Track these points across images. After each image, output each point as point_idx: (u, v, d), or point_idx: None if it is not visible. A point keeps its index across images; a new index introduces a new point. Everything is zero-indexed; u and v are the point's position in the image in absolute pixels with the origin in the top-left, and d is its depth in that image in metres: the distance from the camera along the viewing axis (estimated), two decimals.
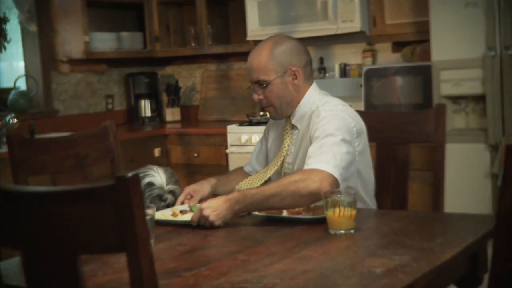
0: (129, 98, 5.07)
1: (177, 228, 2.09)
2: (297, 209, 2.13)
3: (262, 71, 2.28)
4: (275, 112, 2.36)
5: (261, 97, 2.32)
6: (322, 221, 1.96)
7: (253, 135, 4.11)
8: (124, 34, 4.80)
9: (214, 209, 2.04)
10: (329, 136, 2.15)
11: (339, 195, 1.94)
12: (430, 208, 2.51)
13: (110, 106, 5.00)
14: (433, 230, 1.95)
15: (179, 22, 5.08)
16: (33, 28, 4.35)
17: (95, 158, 2.55)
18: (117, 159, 2.61)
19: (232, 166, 4.18)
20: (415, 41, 3.91)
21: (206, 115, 5.04)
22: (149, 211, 1.88)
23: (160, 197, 2.29)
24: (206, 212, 2.03)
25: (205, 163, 4.39)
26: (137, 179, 1.22)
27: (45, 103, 4.54)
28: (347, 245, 1.82)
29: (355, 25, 3.96)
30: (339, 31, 4.03)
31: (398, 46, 4.13)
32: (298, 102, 2.34)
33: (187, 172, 4.48)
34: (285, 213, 2.13)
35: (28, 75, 4.52)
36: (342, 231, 1.89)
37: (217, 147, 4.33)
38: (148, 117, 5.01)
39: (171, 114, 5.04)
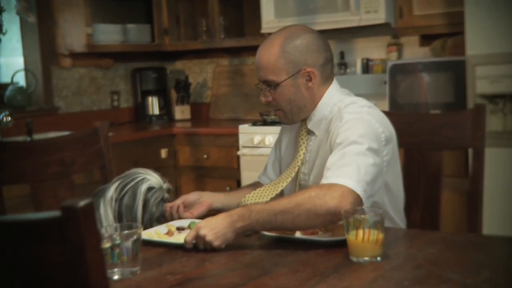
0: (135, 94, 4.88)
1: (170, 250, 1.79)
2: (311, 230, 1.83)
3: (270, 70, 1.98)
4: (284, 117, 2.05)
5: (269, 99, 2.02)
6: (342, 244, 1.66)
7: (267, 136, 3.83)
8: (130, 26, 4.61)
9: (212, 227, 1.73)
10: (353, 144, 1.83)
11: (363, 215, 1.63)
12: (465, 224, 2.26)
13: (115, 103, 4.79)
14: (476, 259, 1.63)
15: (189, 14, 4.87)
16: (32, 19, 4.11)
17: (82, 164, 2.25)
18: (109, 166, 2.30)
19: (244, 169, 3.91)
20: (446, 33, 3.66)
21: (217, 113, 4.78)
22: (137, 231, 1.60)
23: (163, 200, 2.05)
24: (203, 232, 1.73)
25: (215, 166, 4.13)
26: (91, 209, 0.91)
27: (45, 99, 4.33)
28: (373, 278, 1.50)
29: (380, 16, 3.71)
30: (362, 23, 3.78)
31: (426, 39, 3.89)
32: (314, 106, 2.03)
33: (196, 175, 4.22)
34: (298, 234, 1.84)
35: (27, 70, 4.29)
36: (367, 259, 1.59)
37: (228, 149, 4.06)
38: (156, 115, 4.82)
39: (181, 112, 4.82)
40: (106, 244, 1.56)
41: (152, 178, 2.02)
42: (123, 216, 1.96)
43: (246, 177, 3.90)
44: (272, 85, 1.98)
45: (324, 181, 1.78)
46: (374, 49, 4.18)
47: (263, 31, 4.13)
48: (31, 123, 3.93)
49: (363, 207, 1.76)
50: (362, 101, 2.01)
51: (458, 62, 3.39)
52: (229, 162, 4.07)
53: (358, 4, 3.75)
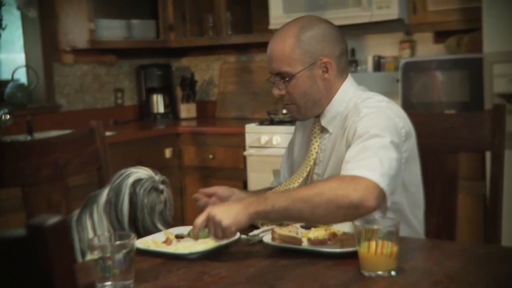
0: (140, 92, 4.78)
1: (167, 261, 1.67)
2: (320, 238, 1.71)
3: (285, 61, 1.88)
4: (297, 112, 1.95)
5: (283, 92, 1.91)
6: (353, 256, 1.53)
7: (274, 135, 3.71)
8: (134, 21, 4.52)
9: (224, 208, 1.65)
10: (375, 138, 1.73)
11: (375, 225, 1.50)
12: (480, 229, 2.26)
13: (119, 101, 4.69)
14: (500, 274, 1.49)
15: (195, 9, 4.76)
16: (33, 13, 4.01)
17: (77, 166, 2.13)
18: (106, 167, 2.18)
19: (250, 170, 3.79)
20: (462, 30, 3.58)
21: (224, 112, 4.67)
22: (130, 242, 1.47)
23: (155, 189, 1.88)
24: (213, 211, 1.64)
25: (221, 166, 4.02)
26: (61, 228, 0.78)
27: (46, 97, 4.23)
28: None
29: (392, 12, 3.60)
30: (374, 19, 3.68)
31: (441, 36, 3.80)
32: (328, 101, 1.93)
33: (201, 176, 4.11)
34: (305, 244, 1.71)
35: (28, 66, 4.20)
36: (380, 273, 1.47)
37: (235, 148, 3.94)
38: (160, 114, 4.72)
39: (186, 110, 4.72)
40: (95, 255, 1.44)
41: (140, 171, 1.88)
42: (113, 219, 1.83)
43: (253, 178, 3.79)
44: (286, 77, 1.88)
45: (344, 173, 1.68)
46: (386, 46, 4.09)
47: (271, 27, 4.03)
48: (31, 121, 3.82)
49: (376, 216, 1.64)
50: (379, 96, 1.91)
51: (474, 60, 3.29)
52: (236, 163, 3.95)
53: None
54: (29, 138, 3.81)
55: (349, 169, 1.67)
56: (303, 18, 1.94)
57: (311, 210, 1.63)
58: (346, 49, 1.97)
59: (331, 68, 1.89)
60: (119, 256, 1.45)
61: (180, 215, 4.13)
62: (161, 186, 1.89)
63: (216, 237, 1.66)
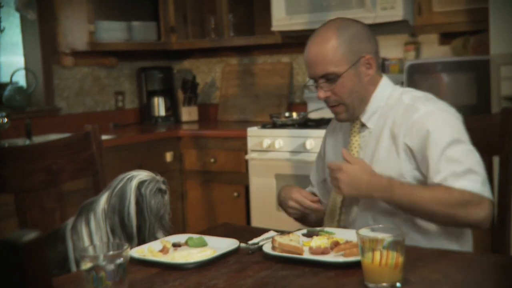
0: (141, 95, 4.71)
1: (163, 271, 1.61)
2: (322, 247, 1.65)
3: (330, 62, 1.92)
4: (346, 112, 1.98)
5: (328, 94, 1.94)
6: (357, 266, 1.47)
7: (277, 139, 3.64)
8: (135, 23, 4.46)
9: (355, 180, 1.82)
10: (459, 144, 1.85)
11: (379, 235, 1.43)
12: (487, 238, 2.09)
13: (120, 104, 4.62)
14: (510, 287, 1.42)
15: (197, 11, 4.71)
16: (32, 15, 3.95)
17: (72, 172, 2.07)
18: (101, 173, 2.12)
19: (252, 174, 3.73)
20: (468, 31, 3.51)
21: (226, 115, 4.60)
22: (124, 252, 1.41)
23: (160, 191, 1.85)
24: (341, 176, 1.82)
25: (223, 170, 3.95)
26: (38, 245, 0.71)
27: (46, 100, 4.17)
28: None
29: (397, 13, 3.54)
30: (378, 20, 3.60)
31: (446, 37, 3.75)
32: (370, 97, 1.97)
33: (202, 180, 4.04)
34: (307, 253, 1.65)
35: (27, 69, 4.15)
36: (384, 285, 1.41)
37: (236, 152, 3.87)
38: (161, 117, 4.65)
39: (188, 113, 4.65)
40: (86, 266, 1.38)
41: (141, 173, 1.85)
42: (115, 225, 1.77)
43: (255, 183, 3.72)
44: (333, 78, 1.91)
45: (447, 183, 1.79)
46: (390, 48, 4.02)
47: (273, 28, 3.98)
48: (30, 125, 3.76)
49: (380, 225, 1.57)
50: (419, 92, 2.00)
51: (481, 62, 3.23)
52: (237, 167, 3.88)
53: (374, 0, 3.59)
54: (27, 142, 3.75)
55: (448, 180, 1.79)
56: (335, 21, 1.99)
57: (429, 216, 1.82)
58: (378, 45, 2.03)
59: (374, 63, 1.95)
60: (112, 267, 1.39)
61: (181, 219, 4.07)
62: (164, 187, 1.86)
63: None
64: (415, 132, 1.86)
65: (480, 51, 3.37)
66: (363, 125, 2.00)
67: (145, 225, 1.80)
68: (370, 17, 3.59)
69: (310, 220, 2.15)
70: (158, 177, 1.86)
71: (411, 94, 1.96)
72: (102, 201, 1.81)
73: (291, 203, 2.04)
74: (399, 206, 1.82)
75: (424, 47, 3.92)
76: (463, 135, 1.87)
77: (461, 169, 1.80)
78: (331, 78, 1.92)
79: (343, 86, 1.92)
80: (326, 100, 1.97)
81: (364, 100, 1.96)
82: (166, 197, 1.85)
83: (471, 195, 1.77)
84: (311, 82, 1.98)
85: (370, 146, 1.96)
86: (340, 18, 2.01)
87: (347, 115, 1.98)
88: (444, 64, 3.44)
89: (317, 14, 3.77)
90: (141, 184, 1.81)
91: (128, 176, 1.83)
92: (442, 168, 1.81)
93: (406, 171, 1.88)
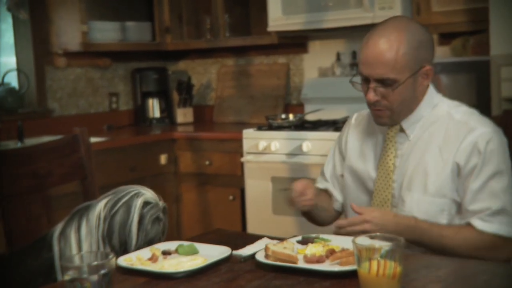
0: (135, 96, 4.66)
1: (152, 281, 1.55)
2: (317, 255, 1.60)
3: (393, 67, 1.80)
4: (389, 117, 1.88)
5: (379, 98, 1.83)
6: (353, 275, 1.41)
7: (273, 141, 3.58)
8: (129, 24, 4.41)
9: (381, 224, 1.74)
10: (502, 176, 1.81)
11: (377, 244, 1.37)
12: None
13: (114, 106, 4.57)
14: None
15: (192, 11, 4.66)
16: (24, 15, 3.91)
17: (60, 176, 2.01)
18: (90, 178, 2.05)
19: (248, 177, 3.67)
20: (468, 31, 3.47)
21: (222, 116, 4.55)
22: (108, 262, 1.35)
23: (158, 220, 1.80)
24: (369, 227, 1.73)
25: (218, 173, 3.89)
26: None
27: (38, 101, 4.11)
28: None
29: (395, 13, 3.45)
30: (376, 20, 3.48)
31: (446, 37, 3.70)
32: (417, 106, 1.88)
33: (197, 183, 3.99)
34: (301, 262, 1.59)
35: (19, 70, 4.09)
36: None
37: (232, 155, 3.81)
38: (156, 118, 4.60)
39: (183, 115, 4.60)
40: (68, 277, 1.32)
41: (147, 193, 1.79)
42: (114, 236, 1.71)
43: (251, 186, 3.66)
44: (390, 84, 1.80)
45: (476, 223, 1.79)
46: None
47: (270, 29, 3.92)
48: (22, 127, 3.70)
49: (377, 233, 1.51)
50: (467, 107, 1.93)
51: (481, 63, 3.19)
52: (233, 169, 3.82)
53: (372, 0, 3.53)
54: (19, 144, 3.69)
55: (483, 219, 1.78)
56: (402, 20, 1.88)
57: (457, 256, 1.73)
58: None
59: (431, 74, 1.86)
60: (96, 277, 1.33)
61: (175, 223, 4.01)
62: (162, 216, 1.80)
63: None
64: (469, 153, 1.81)
65: (480, 51, 3.35)
66: (401, 131, 1.91)
67: (135, 244, 1.75)
68: (368, 17, 3.54)
69: (318, 219, 2.11)
70: (161, 203, 1.80)
71: (461, 110, 1.89)
72: (99, 207, 1.75)
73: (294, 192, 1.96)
74: (427, 247, 1.80)
75: None
76: (509, 163, 1.84)
77: (496, 206, 1.78)
78: (390, 84, 1.81)
79: (399, 94, 1.82)
80: (373, 103, 1.86)
81: (411, 109, 1.88)
82: (162, 225, 1.80)
83: (502, 241, 1.78)
84: (359, 79, 1.88)
85: (407, 157, 1.89)
86: (406, 18, 1.93)
87: (390, 120, 1.89)
88: (443, 65, 3.39)
89: (314, 14, 3.72)
90: (145, 204, 1.77)
91: (135, 192, 1.78)
92: (480, 199, 1.79)
93: (447, 191, 1.83)
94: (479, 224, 1.78)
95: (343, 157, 2.09)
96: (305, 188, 1.94)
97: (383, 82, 1.81)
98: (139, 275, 1.57)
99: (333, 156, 2.15)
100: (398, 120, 1.89)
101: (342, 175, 2.09)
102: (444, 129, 1.85)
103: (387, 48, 1.79)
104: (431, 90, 1.91)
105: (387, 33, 1.81)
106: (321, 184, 2.15)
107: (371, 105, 1.88)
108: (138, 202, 1.74)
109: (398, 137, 1.91)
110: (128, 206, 1.74)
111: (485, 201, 1.78)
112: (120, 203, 1.75)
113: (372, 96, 1.83)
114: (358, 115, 2.09)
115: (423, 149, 1.86)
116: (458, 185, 1.82)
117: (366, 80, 1.85)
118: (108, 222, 1.72)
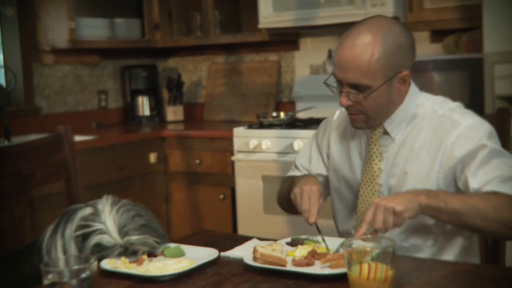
0: (124, 94, 4.60)
1: (136, 284, 1.51)
2: (306, 259, 1.56)
3: (365, 73, 1.70)
4: (364, 122, 1.80)
5: (352, 103, 1.75)
6: (343, 278, 1.37)
7: (264, 140, 3.53)
8: (118, 20, 4.35)
9: (393, 197, 1.59)
10: (502, 156, 1.70)
11: (368, 245, 1.33)
12: (483, 248, 1.98)
13: (103, 104, 4.51)
14: None
15: (182, 8, 4.61)
16: (10, 12, 3.87)
17: (43, 176, 1.96)
18: (74, 178, 2.00)
19: (238, 176, 3.63)
20: (460, 29, 3.44)
21: (212, 114, 4.50)
22: (90, 266, 1.31)
23: (120, 255, 1.63)
24: (382, 201, 1.56)
25: (208, 172, 3.85)
26: None
27: (25, 99, 4.06)
28: None
29: (387, 10, 3.43)
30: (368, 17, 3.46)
31: (438, 35, 3.66)
32: (396, 109, 1.80)
33: (187, 182, 3.94)
34: (290, 265, 1.54)
35: (6, 67, 4.03)
36: None
37: (222, 153, 3.76)
38: (146, 117, 4.54)
39: (173, 113, 4.56)
40: (46, 281, 1.27)
41: (103, 228, 1.63)
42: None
43: (241, 184, 3.61)
44: (363, 89, 1.71)
45: (500, 187, 1.64)
46: None
47: (260, 26, 3.87)
48: (9, 125, 3.64)
49: (368, 235, 1.47)
50: (453, 103, 1.85)
51: (474, 60, 3.15)
52: (223, 168, 3.78)
53: None
54: (6, 142, 3.63)
55: (495, 184, 1.64)
56: (380, 22, 1.75)
57: (482, 223, 1.60)
58: None
59: (408, 80, 1.77)
60: (75, 282, 1.28)
61: (165, 222, 3.96)
62: (133, 248, 1.62)
63: (386, 225, 1.55)
64: (456, 147, 1.72)
65: (473, 49, 3.31)
66: (385, 133, 1.83)
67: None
68: (359, 14, 3.48)
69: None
70: (128, 237, 1.62)
71: (445, 105, 1.81)
72: (81, 213, 1.68)
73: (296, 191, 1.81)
74: (454, 212, 1.60)
75: (416, 44, 3.82)
76: (501, 147, 1.76)
77: (507, 174, 1.65)
78: (362, 90, 1.72)
79: (372, 100, 1.73)
80: (347, 107, 1.78)
81: (388, 113, 1.80)
82: (145, 250, 1.66)
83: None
84: (333, 82, 1.79)
85: (391, 159, 1.81)
86: (386, 18, 1.79)
87: (365, 125, 1.81)
88: (436, 62, 3.35)
89: (305, 11, 3.68)
90: (95, 247, 1.63)
91: (91, 228, 1.64)
92: (484, 172, 1.66)
93: (440, 188, 1.74)
94: (494, 185, 1.64)
95: (322, 157, 2.01)
96: (312, 206, 1.79)
97: (356, 87, 1.73)
98: (123, 278, 1.53)
99: (309, 149, 2.05)
100: (374, 124, 1.81)
101: (320, 174, 2.01)
102: (429, 127, 1.77)
103: (360, 52, 1.69)
104: (413, 90, 1.83)
105: (362, 35, 1.71)
106: (290, 174, 2.07)
107: (346, 109, 1.81)
108: (88, 246, 1.63)
109: (383, 140, 1.83)
110: (129, 218, 1.66)
111: (492, 173, 1.66)
112: (124, 212, 1.66)
113: (345, 100, 1.75)
114: (340, 113, 1.99)
115: (409, 150, 1.78)
116: (456, 177, 1.73)
117: (340, 83, 1.77)
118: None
